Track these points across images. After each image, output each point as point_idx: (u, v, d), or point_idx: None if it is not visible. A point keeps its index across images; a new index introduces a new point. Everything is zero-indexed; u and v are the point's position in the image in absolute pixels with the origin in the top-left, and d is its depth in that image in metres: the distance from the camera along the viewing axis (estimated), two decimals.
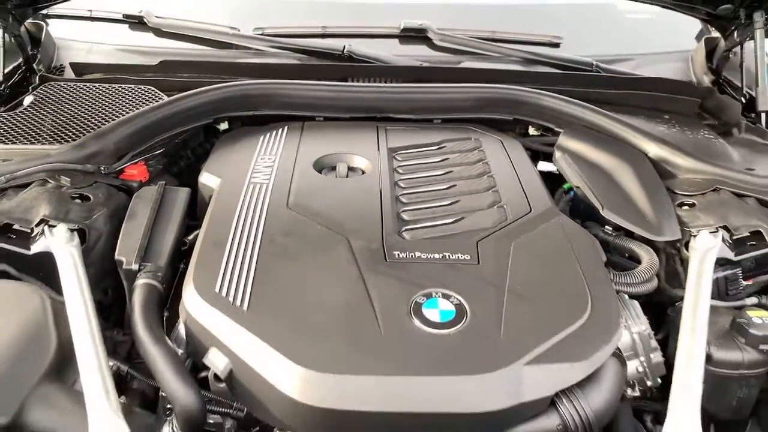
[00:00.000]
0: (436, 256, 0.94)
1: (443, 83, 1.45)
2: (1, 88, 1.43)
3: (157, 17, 1.70)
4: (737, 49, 1.56)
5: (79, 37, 1.71)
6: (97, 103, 1.37)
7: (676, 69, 1.69)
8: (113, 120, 1.26)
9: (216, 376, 0.83)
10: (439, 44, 1.68)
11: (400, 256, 0.94)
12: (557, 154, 1.30)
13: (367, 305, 0.85)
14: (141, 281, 0.93)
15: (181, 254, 1.06)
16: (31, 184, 1.09)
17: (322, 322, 0.83)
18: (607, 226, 1.12)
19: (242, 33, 1.68)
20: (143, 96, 1.39)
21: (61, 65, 1.61)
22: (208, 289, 0.87)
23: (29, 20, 1.57)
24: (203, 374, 0.86)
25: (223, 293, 0.86)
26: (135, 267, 0.96)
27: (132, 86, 1.42)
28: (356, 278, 0.89)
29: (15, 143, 1.22)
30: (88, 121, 1.29)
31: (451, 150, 1.27)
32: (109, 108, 1.34)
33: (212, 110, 1.36)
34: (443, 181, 1.15)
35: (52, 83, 1.44)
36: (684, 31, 1.80)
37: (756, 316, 0.93)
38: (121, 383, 0.90)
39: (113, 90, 1.41)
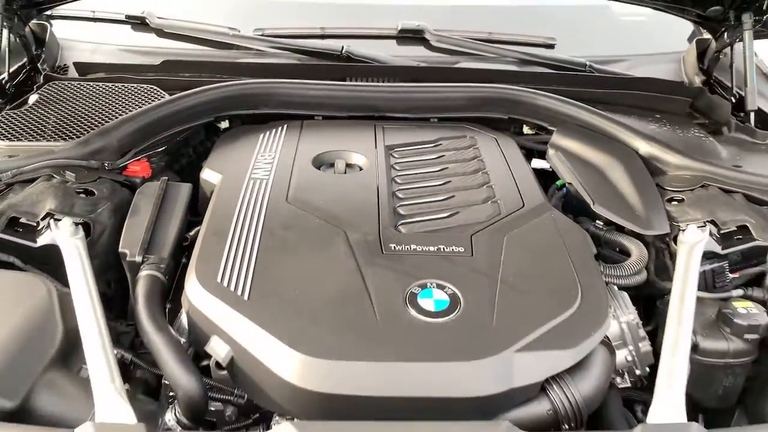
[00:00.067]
0: (431, 248, 0.97)
1: (440, 83, 1.48)
2: (7, 87, 1.45)
3: (158, 18, 1.73)
4: (727, 50, 1.59)
5: (82, 37, 1.74)
6: (100, 101, 1.39)
7: (668, 70, 1.72)
8: (116, 118, 1.28)
9: (217, 364, 0.85)
10: (436, 45, 1.71)
11: (396, 248, 0.97)
12: (550, 152, 1.33)
13: (363, 295, 0.88)
14: (144, 273, 0.96)
15: (183, 248, 1.08)
16: (37, 179, 1.12)
17: (321, 311, 0.85)
18: (598, 221, 1.15)
19: (242, 34, 1.71)
20: (145, 95, 1.42)
21: (64, 65, 1.64)
22: (209, 279, 0.89)
23: (33, 21, 1.60)
24: (205, 363, 0.89)
25: (225, 283, 0.88)
26: (138, 259, 0.99)
27: (134, 85, 1.45)
28: (353, 269, 0.92)
29: (20, 140, 1.25)
30: (92, 119, 1.32)
31: (446, 148, 1.30)
32: (112, 106, 1.37)
33: (213, 109, 1.39)
34: (439, 178, 1.18)
35: (56, 82, 1.47)
36: (676, 33, 1.84)
37: (741, 306, 0.96)
38: (124, 372, 0.92)
39: (116, 89, 1.44)
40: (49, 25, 1.66)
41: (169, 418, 0.86)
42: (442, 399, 0.78)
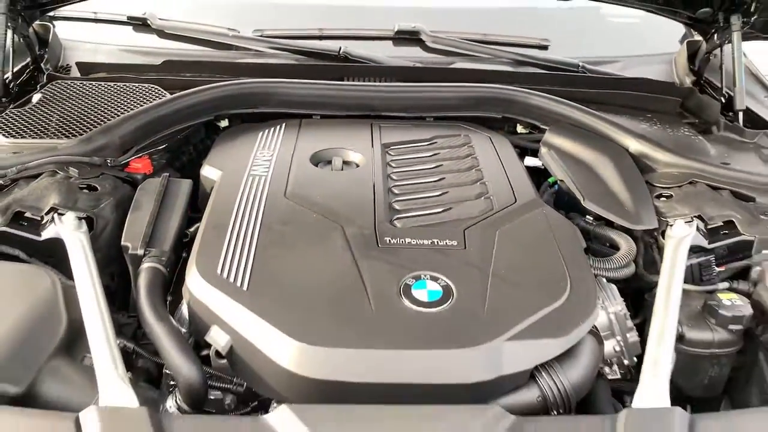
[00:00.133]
0: (426, 242, 1.00)
1: (435, 83, 1.51)
2: (11, 87, 1.48)
3: (160, 19, 1.76)
4: (717, 51, 1.63)
5: (84, 38, 1.77)
6: (102, 100, 1.42)
7: (659, 71, 1.75)
8: (118, 116, 1.31)
9: (217, 353, 0.87)
10: (432, 46, 1.74)
11: (392, 242, 1.00)
12: (543, 150, 1.36)
13: (359, 286, 0.90)
14: (146, 265, 0.99)
15: (184, 243, 1.11)
16: (41, 175, 1.14)
17: (318, 301, 0.88)
18: (588, 216, 1.18)
19: (242, 35, 1.74)
20: (147, 94, 1.45)
21: (67, 65, 1.67)
22: (210, 271, 0.92)
23: (37, 22, 1.63)
24: (205, 352, 0.91)
25: (224, 275, 0.91)
26: (140, 252, 1.01)
27: (136, 85, 1.48)
28: (350, 262, 0.95)
29: (24, 137, 1.27)
30: (94, 117, 1.35)
31: (441, 145, 1.33)
32: (114, 105, 1.40)
33: (213, 107, 1.42)
34: (433, 174, 1.21)
35: (59, 81, 1.50)
36: (667, 35, 1.87)
37: (726, 298, 0.99)
38: (126, 361, 0.94)
39: (117, 88, 1.47)
40: (52, 26, 1.69)
41: (170, 404, 0.89)
42: (434, 385, 0.81)
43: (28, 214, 1.05)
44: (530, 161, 1.39)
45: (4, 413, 0.74)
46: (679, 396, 0.84)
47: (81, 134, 1.26)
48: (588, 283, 0.95)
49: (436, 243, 1.00)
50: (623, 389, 1.03)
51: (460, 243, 1.00)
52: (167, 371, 0.91)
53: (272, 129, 1.36)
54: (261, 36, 1.74)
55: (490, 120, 1.48)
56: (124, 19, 1.78)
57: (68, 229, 1.01)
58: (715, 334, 0.96)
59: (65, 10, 1.72)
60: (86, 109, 1.38)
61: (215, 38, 1.74)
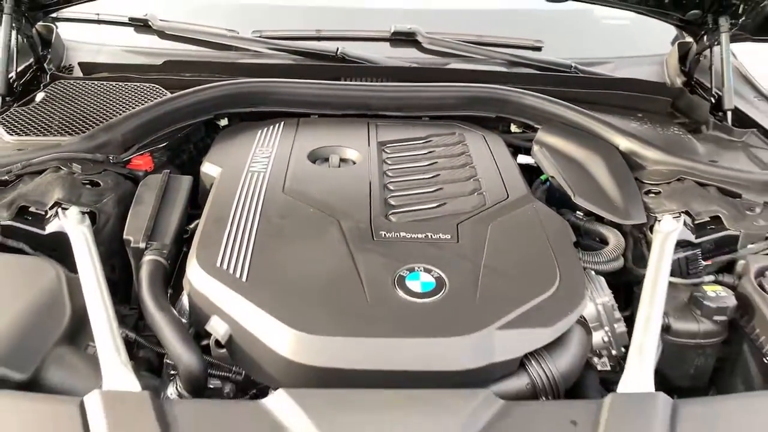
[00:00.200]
0: (420, 235, 1.03)
1: (431, 83, 1.55)
2: (14, 86, 1.51)
3: (161, 20, 1.79)
4: (707, 52, 1.66)
5: (87, 39, 1.80)
6: (104, 99, 1.45)
7: (651, 71, 1.79)
8: (119, 115, 1.34)
9: (217, 342, 0.90)
10: (428, 47, 1.77)
11: (387, 235, 1.02)
12: (535, 148, 1.39)
13: (355, 277, 0.93)
14: (148, 258, 1.02)
15: (184, 239, 1.13)
16: (45, 171, 1.17)
17: (315, 292, 0.91)
18: (578, 212, 1.21)
19: (241, 35, 1.77)
20: (148, 93, 1.47)
21: (70, 65, 1.70)
22: (210, 263, 0.95)
23: (40, 23, 1.65)
24: (205, 342, 0.94)
25: (224, 267, 0.94)
26: (142, 245, 1.04)
27: (137, 84, 1.50)
28: (346, 254, 0.97)
29: (28, 135, 1.30)
30: (96, 115, 1.37)
31: (436, 144, 1.36)
32: (116, 104, 1.42)
33: (213, 106, 1.45)
34: (428, 171, 1.24)
35: (62, 81, 1.52)
36: (659, 37, 1.91)
37: (711, 290, 1.02)
38: (128, 351, 0.97)
39: (119, 87, 1.50)
40: (54, 27, 1.71)
41: (171, 392, 0.91)
42: (427, 372, 0.83)
43: (32, 209, 1.08)
44: (523, 159, 1.42)
45: (11, 397, 0.77)
46: (666, 386, 0.87)
47: (83, 132, 1.29)
48: (576, 275, 0.98)
49: (429, 237, 1.03)
50: (612, 380, 1.05)
51: (453, 237, 1.03)
52: (168, 361, 0.94)
53: (271, 127, 1.39)
54: (260, 37, 1.77)
55: (485, 119, 1.51)
56: (126, 20, 1.81)
57: (72, 223, 1.04)
58: (701, 325, 0.99)
59: (68, 12, 1.75)
60: (88, 107, 1.41)
61: (215, 39, 1.77)
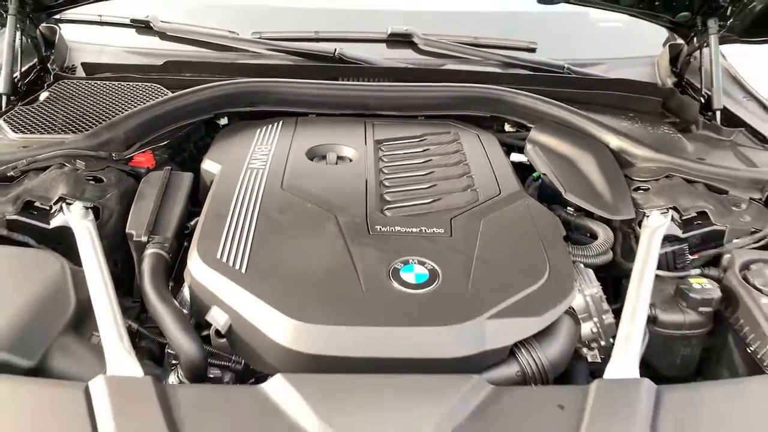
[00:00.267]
0: (414, 230, 1.06)
1: (427, 83, 1.58)
2: (19, 85, 1.54)
3: (162, 22, 1.82)
4: (698, 53, 1.70)
5: (89, 40, 1.82)
6: (106, 98, 1.48)
7: (643, 73, 1.82)
8: (121, 114, 1.37)
9: (217, 332, 0.93)
10: (424, 49, 1.81)
11: (382, 229, 1.05)
12: (528, 146, 1.42)
13: (351, 269, 0.96)
14: (150, 251, 1.05)
15: (185, 234, 1.16)
16: (50, 167, 1.20)
17: (312, 283, 0.94)
18: (569, 208, 1.25)
19: (241, 37, 1.80)
20: (149, 93, 1.51)
21: (73, 65, 1.73)
22: (210, 255, 0.97)
23: (44, 24, 1.69)
24: (205, 333, 0.97)
25: (224, 259, 0.97)
26: (144, 239, 1.07)
27: (139, 84, 1.54)
28: (342, 247, 1.00)
29: (33, 133, 1.33)
30: (98, 114, 1.40)
31: (431, 142, 1.39)
32: (118, 103, 1.46)
33: (213, 105, 1.48)
34: (423, 168, 1.27)
35: (65, 81, 1.56)
36: (651, 39, 1.94)
37: (696, 282, 1.05)
38: (131, 341, 1.00)
39: (121, 87, 1.53)
40: (58, 28, 1.74)
41: (173, 380, 0.94)
42: (420, 360, 0.86)
43: (37, 204, 1.11)
44: (516, 157, 1.45)
45: (18, 382, 0.80)
46: (654, 376, 0.89)
47: (86, 130, 1.32)
48: (566, 267, 1.01)
49: (424, 231, 1.06)
50: (602, 371, 1.08)
51: (447, 231, 1.06)
52: (169, 351, 0.97)
53: (270, 126, 1.42)
54: (259, 38, 1.80)
55: (480, 119, 1.54)
56: (128, 21, 1.84)
57: (76, 218, 1.07)
58: (686, 316, 1.02)
59: (71, 13, 1.78)
60: (91, 106, 1.44)
61: (215, 40, 1.80)
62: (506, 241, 1.06)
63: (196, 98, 1.45)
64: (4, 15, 1.50)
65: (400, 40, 1.82)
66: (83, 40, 1.82)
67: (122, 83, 1.54)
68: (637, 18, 1.70)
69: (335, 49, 1.72)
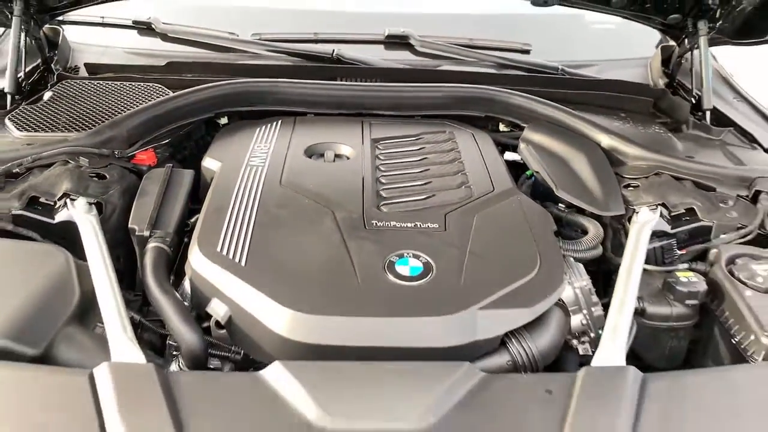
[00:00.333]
0: (409, 225, 1.09)
1: (423, 83, 1.61)
2: (23, 85, 1.57)
3: (163, 23, 1.85)
4: (689, 55, 1.73)
5: (92, 41, 1.85)
6: (108, 98, 1.51)
7: (635, 74, 1.85)
8: (123, 113, 1.40)
9: (217, 323, 0.96)
10: (420, 50, 1.84)
11: (378, 224, 1.08)
12: (521, 145, 1.45)
13: (347, 262, 0.99)
14: (152, 245, 1.07)
15: (185, 230, 1.19)
16: (54, 164, 1.23)
17: (310, 275, 0.97)
18: (560, 204, 1.28)
19: (241, 38, 1.83)
20: (151, 93, 1.54)
21: (75, 66, 1.76)
22: (211, 249, 1.00)
23: (47, 25, 1.72)
24: (205, 324, 0.99)
25: (224, 252, 1.00)
26: (146, 233, 1.10)
27: (140, 84, 1.57)
28: (339, 241, 1.03)
29: (37, 131, 1.36)
30: (101, 113, 1.43)
31: (427, 141, 1.42)
32: (120, 103, 1.49)
33: (214, 105, 1.51)
34: (418, 166, 1.30)
35: (68, 81, 1.59)
36: (643, 40, 1.97)
37: (683, 276, 1.08)
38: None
39: (123, 87, 1.56)
40: (61, 30, 1.77)
41: (174, 369, 0.97)
42: (414, 349, 0.89)
43: (42, 199, 1.14)
44: (510, 156, 1.49)
45: (26, 369, 0.83)
46: (643, 368, 0.91)
47: (88, 129, 1.35)
48: (556, 260, 1.04)
49: (419, 226, 1.09)
50: (590, 361, 1.11)
51: (441, 226, 1.09)
52: (170, 342, 0.99)
53: (269, 125, 1.45)
54: (259, 39, 1.83)
55: (475, 118, 1.57)
56: (130, 23, 1.87)
57: (80, 213, 1.10)
58: (673, 308, 1.05)
59: (74, 15, 1.81)
60: (93, 106, 1.47)
61: (216, 41, 1.83)
62: (499, 236, 1.09)
63: (196, 98, 1.48)
64: (10, 17, 1.53)
65: (397, 41, 1.85)
66: (86, 41, 1.85)
67: (124, 83, 1.57)
68: (629, 20, 1.74)
69: (333, 50, 1.75)
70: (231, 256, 0.99)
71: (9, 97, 1.50)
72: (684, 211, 1.22)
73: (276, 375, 0.80)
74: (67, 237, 1.10)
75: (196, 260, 1.00)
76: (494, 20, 2.03)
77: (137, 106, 1.43)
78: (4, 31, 1.77)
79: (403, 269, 0.99)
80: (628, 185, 1.31)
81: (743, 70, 1.98)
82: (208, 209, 1.11)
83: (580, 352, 1.08)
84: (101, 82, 1.58)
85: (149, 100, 1.48)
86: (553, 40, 1.97)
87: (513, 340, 0.94)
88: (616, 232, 1.23)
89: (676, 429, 0.79)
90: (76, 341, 0.92)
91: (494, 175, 1.27)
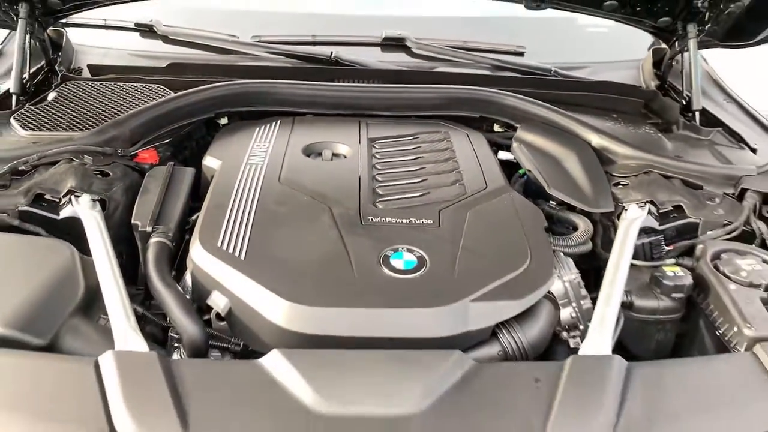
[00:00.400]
0: (404, 220, 1.12)
1: (419, 85, 1.65)
2: (27, 86, 1.60)
3: (165, 26, 1.89)
4: (680, 57, 1.77)
5: (95, 43, 1.89)
6: (111, 98, 1.55)
7: (627, 76, 1.89)
8: (125, 113, 1.44)
9: (218, 315, 0.99)
10: (417, 52, 1.88)
11: (374, 220, 1.12)
12: (514, 145, 1.49)
13: (344, 256, 1.02)
14: (154, 240, 1.11)
15: (186, 228, 1.22)
16: (59, 162, 1.26)
17: (307, 268, 1.00)
18: (552, 201, 1.31)
19: (241, 40, 1.87)
20: (153, 94, 1.57)
21: (79, 67, 1.79)
22: (211, 243, 1.04)
23: (51, 28, 1.75)
24: (206, 317, 1.02)
25: (224, 247, 1.03)
26: (149, 229, 1.13)
27: (143, 85, 1.60)
28: (336, 236, 1.07)
29: (42, 131, 1.40)
30: (103, 113, 1.47)
31: (422, 140, 1.45)
32: (122, 103, 1.52)
33: (214, 105, 1.54)
34: (414, 164, 1.33)
35: (72, 82, 1.62)
36: (636, 43, 2.01)
37: (670, 270, 1.11)
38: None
39: (126, 88, 1.59)
40: (65, 32, 1.81)
41: (176, 357, 1.00)
42: (408, 339, 0.92)
43: (47, 196, 1.17)
44: (504, 155, 1.52)
45: (33, 357, 0.86)
46: (631, 360, 0.94)
47: (91, 128, 1.39)
48: (546, 255, 1.07)
49: (413, 221, 1.12)
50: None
51: (435, 222, 1.13)
52: (172, 334, 1.02)
53: (268, 125, 1.48)
54: (259, 41, 1.87)
55: (469, 119, 1.61)
56: (132, 25, 1.90)
57: (84, 209, 1.13)
58: (660, 302, 1.08)
59: (77, 17, 1.83)
60: (97, 106, 1.51)
61: (217, 43, 1.86)
62: (491, 231, 1.12)
63: (197, 98, 1.52)
64: (15, 19, 1.57)
65: (393, 43, 1.89)
66: (89, 43, 1.89)
67: (126, 84, 1.60)
68: (621, 23, 1.78)
69: (331, 52, 1.79)
70: (231, 250, 1.02)
71: (14, 98, 1.54)
72: (672, 208, 1.26)
73: (274, 362, 0.83)
74: (72, 233, 1.13)
75: (198, 254, 1.03)
76: (489, 23, 2.07)
77: (139, 107, 1.47)
78: (9, 33, 1.81)
79: (397, 263, 1.02)
80: (618, 183, 1.34)
81: (743, 71, 2.01)
82: (209, 206, 1.15)
83: (571, 345, 1.11)
84: (104, 83, 1.62)
85: (151, 101, 1.51)
86: (546, 43, 2.01)
87: (503, 330, 0.97)
88: (606, 228, 1.27)
89: (660, 413, 0.82)
90: (81, 332, 0.95)
91: (487, 174, 1.31)
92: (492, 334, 0.98)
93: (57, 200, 1.17)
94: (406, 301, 0.95)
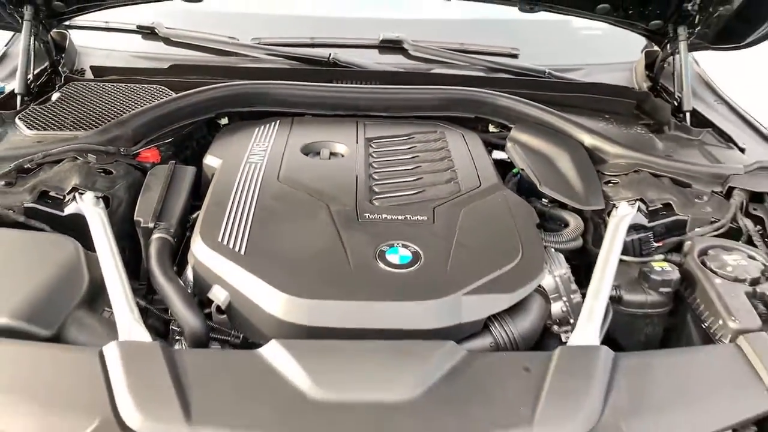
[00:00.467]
0: (399, 217, 1.15)
1: (415, 86, 1.68)
2: (31, 87, 1.64)
3: (166, 28, 1.92)
4: (672, 59, 1.80)
5: (98, 45, 1.92)
6: (114, 99, 1.58)
7: (620, 77, 1.93)
8: (128, 113, 1.47)
9: (218, 308, 1.02)
10: (414, 54, 1.91)
11: (370, 217, 1.15)
12: (508, 144, 1.52)
13: (341, 251, 1.05)
14: (156, 235, 1.14)
15: (187, 225, 1.25)
16: (63, 161, 1.29)
17: (305, 263, 1.03)
18: (544, 199, 1.34)
19: (241, 42, 1.90)
20: (155, 94, 1.60)
21: (82, 68, 1.82)
22: (212, 239, 1.07)
23: (54, 30, 1.78)
24: (206, 311, 1.05)
25: (225, 242, 1.06)
26: (151, 225, 1.16)
27: (144, 86, 1.63)
28: (333, 232, 1.10)
29: (46, 130, 1.43)
30: (106, 114, 1.50)
31: (418, 140, 1.49)
32: (125, 103, 1.55)
33: (215, 105, 1.58)
34: (410, 163, 1.37)
35: (75, 82, 1.65)
36: (629, 45, 2.05)
37: (658, 266, 1.14)
38: None
39: (128, 89, 1.62)
40: (68, 34, 1.84)
41: (178, 348, 1.02)
42: (402, 330, 0.95)
43: (52, 193, 1.20)
44: (498, 155, 1.55)
45: (40, 347, 0.89)
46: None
47: (94, 128, 1.42)
48: (537, 250, 1.10)
49: (408, 218, 1.15)
50: None
51: (430, 218, 1.16)
52: (174, 327, 1.05)
53: (267, 125, 1.51)
54: (258, 43, 1.90)
55: (464, 120, 1.64)
56: (134, 27, 1.94)
57: (88, 206, 1.17)
58: (648, 296, 1.11)
59: (80, 20, 1.87)
60: (99, 106, 1.54)
61: (217, 45, 1.90)
62: (484, 228, 1.16)
63: (198, 99, 1.55)
64: (20, 21, 1.60)
65: (391, 46, 1.92)
66: (92, 45, 1.92)
67: (128, 85, 1.64)
68: (614, 26, 1.81)
69: (330, 54, 1.83)
70: (231, 245, 1.05)
71: (19, 98, 1.57)
72: (661, 206, 1.29)
73: (273, 352, 0.87)
74: (76, 229, 1.16)
75: (199, 249, 1.06)
76: (484, 26, 2.11)
77: (141, 107, 1.50)
78: (14, 35, 1.85)
79: (393, 258, 1.05)
80: (609, 181, 1.38)
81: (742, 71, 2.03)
82: (210, 203, 1.18)
83: (563, 339, 1.14)
84: (106, 83, 1.65)
85: (153, 101, 1.54)
86: (541, 45, 2.04)
87: (495, 323, 1.01)
88: (596, 225, 1.30)
89: (645, 402, 0.85)
90: (85, 324, 0.98)
91: (481, 172, 1.34)
92: (484, 326, 1.01)
93: (61, 197, 1.20)
94: (400, 294, 0.98)
